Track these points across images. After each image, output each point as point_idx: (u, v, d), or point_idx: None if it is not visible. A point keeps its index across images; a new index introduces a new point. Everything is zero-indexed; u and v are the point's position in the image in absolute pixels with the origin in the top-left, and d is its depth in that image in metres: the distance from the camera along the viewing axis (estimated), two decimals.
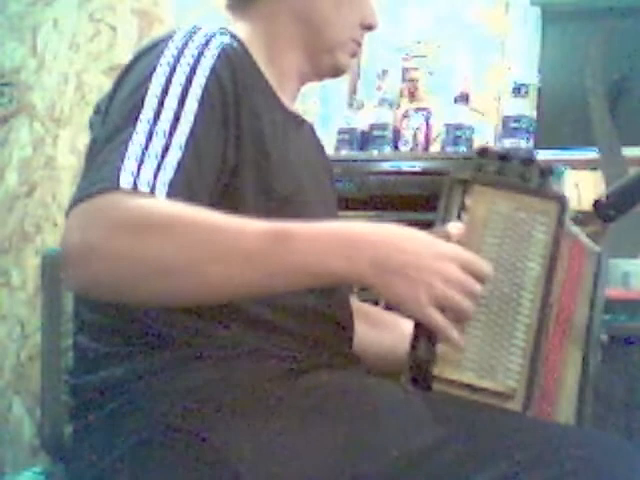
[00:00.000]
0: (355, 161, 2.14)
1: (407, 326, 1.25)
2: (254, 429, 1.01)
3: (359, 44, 1.31)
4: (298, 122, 1.28)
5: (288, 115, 1.24)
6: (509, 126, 2.22)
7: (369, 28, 1.30)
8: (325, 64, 1.28)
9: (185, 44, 1.09)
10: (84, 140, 2.86)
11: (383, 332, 1.32)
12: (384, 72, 2.41)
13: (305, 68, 1.28)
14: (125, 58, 2.71)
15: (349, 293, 1.28)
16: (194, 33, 1.11)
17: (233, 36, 1.14)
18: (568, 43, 2.45)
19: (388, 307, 1.12)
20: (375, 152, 2.28)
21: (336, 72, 1.31)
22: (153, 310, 1.07)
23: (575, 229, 1.11)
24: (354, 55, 1.31)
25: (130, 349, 1.07)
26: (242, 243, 0.95)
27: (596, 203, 1.32)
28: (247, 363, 1.07)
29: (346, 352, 1.23)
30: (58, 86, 2.95)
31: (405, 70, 2.48)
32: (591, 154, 2.23)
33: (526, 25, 2.46)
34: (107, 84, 2.92)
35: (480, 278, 1.00)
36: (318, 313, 1.16)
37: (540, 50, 2.45)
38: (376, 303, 1.13)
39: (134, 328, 1.08)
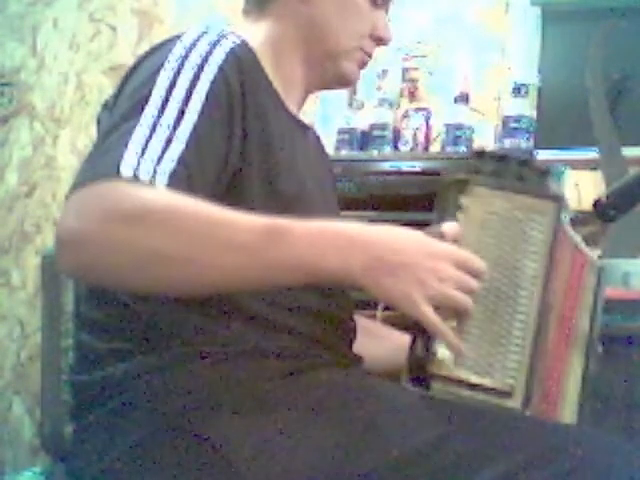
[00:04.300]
0: (355, 161, 2.13)
1: (399, 338, 1.26)
2: (254, 428, 1.01)
3: (369, 54, 1.30)
4: (303, 128, 1.28)
5: (293, 120, 1.25)
6: (509, 126, 2.21)
7: (379, 40, 1.30)
8: (330, 72, 1.28)
9: (194, 44, 1.09)
10: (84, 140, 2.86)
11: (372, 342, 1.32)
12: (384, 72, 2.40)
13: (310, 76, 1.28)
14: (125, 58, 2.73)
15: (351, 293, 1.28)
16: (203, 34, 1.11)
17: (242, 40, 1.15)
18: (568, 43, 2.44)
19: (387, 307, 1.12)
20: (375, 152, 2.28)
21: (342, 81, 1.30)
22: (154, 309, 1.07)
23: (578, 238, 1.11)
24: (362, 65, 1.31)
25: (130, 347, 1.07)
26: (237, 235, 0.95)
27: (596, 203, 1.32)
28: (247, 362, 1.07)
29: (346, 352, 1.23)
30: (58, 86, 2.95)
31: (405, 70, 2.48)
32: (591, 154, 2.22)
33: (526, 25, 2.45)
34: (107, 84, 2.94)
35: (475, 275, 1.01)
36: (319, 312, 1.16)
37: (540, 50, 2.44)
38: (375, 305, 1.13)
39: (135, 326, 1.08)
